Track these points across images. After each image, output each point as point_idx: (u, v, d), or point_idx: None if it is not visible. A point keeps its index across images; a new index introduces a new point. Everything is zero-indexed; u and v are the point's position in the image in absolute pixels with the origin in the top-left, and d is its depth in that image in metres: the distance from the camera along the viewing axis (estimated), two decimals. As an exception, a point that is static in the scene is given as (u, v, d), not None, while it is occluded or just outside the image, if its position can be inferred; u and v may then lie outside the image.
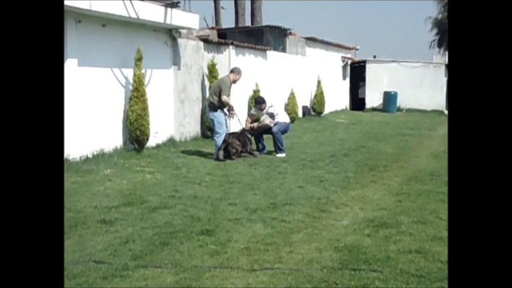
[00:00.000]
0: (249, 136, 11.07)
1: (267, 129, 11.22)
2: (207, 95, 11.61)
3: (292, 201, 6.96)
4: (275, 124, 11.19)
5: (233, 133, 10.88)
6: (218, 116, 10.36)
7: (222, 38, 16.03)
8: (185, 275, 4.36)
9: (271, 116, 11.23)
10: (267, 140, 11.54)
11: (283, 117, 11.54)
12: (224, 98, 10.25)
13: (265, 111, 11.32)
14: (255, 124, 11.24)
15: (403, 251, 4.94)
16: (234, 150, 10.39)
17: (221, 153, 10.28)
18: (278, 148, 11.13)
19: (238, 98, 14.11)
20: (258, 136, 11.38)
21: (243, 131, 11.02)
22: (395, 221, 5.99)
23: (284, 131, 11.38)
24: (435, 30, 35.83)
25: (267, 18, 40.40)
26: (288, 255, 4.87)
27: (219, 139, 10.28)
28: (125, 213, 6.23)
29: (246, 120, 11.50)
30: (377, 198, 7.24)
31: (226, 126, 10.58)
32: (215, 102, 10.34)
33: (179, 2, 11.24)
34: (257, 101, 11.66)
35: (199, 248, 5.02)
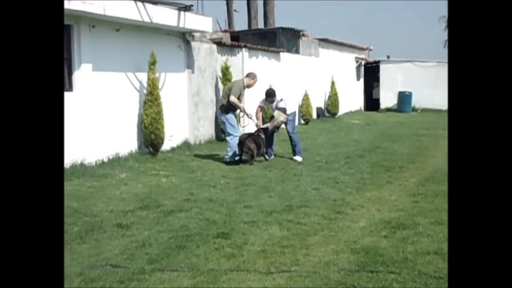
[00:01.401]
0: (263, 137, 10.60)
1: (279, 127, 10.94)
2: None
3: (307, 203, 6.93)
4: (288, 119, 10.81)
5: (249, 134, 10.56)
6: (230, 118, 10.27)
7: (235, 40, 16.04)
8: (202, 278, 4.36)
9: (284, 111, 10.79)
10: (281, 144, 11.39)
11: (291, 108, 11.13)
12: (231, 98, 10.08)
13: (274, 104, 10.89)
14: (268, 124, 10.93)
15: (421, 252, 4.89)
16: (251, 153, 10.11)
17: (235, 154, 10.17)
18: (297, 151, 10.71)
19: (252, 101, 14.08)
20: (271, 139, 10.98)
21: (258, 132, 10.67)
22: (413, 222, 5.94)
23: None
24: (449, 29, 35.62)
25: (280, 20, 40.42)
26: (304, 257, 4.84)
27: (232, 141, 10.15)
28: (141, 217, 6.24)
29: (256, 114, 11.07)
30: (393, 199, 7.18)
31: (238, 130, 10.43)
32: (226, 104, 10.27)
33: (192, 6, 11.27)
34: (268, 94, 10.91)
35: (216, 251, 5.01)
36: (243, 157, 10.31)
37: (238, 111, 10.50)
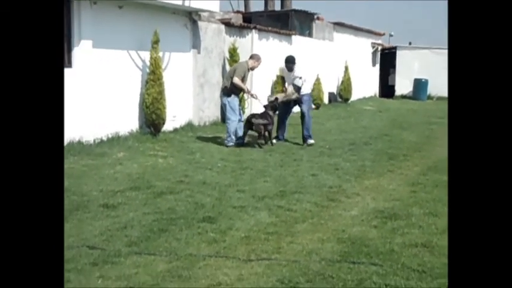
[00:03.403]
0: (271, 114, 10.29)
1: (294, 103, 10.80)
2: (227, 79, 11.32)
3: (302, 189, 6.77)
4: (300, 98, 10.64)
5: (254, 114, 10.45)
6: (232, 101, 9.99)
7: (247, 22, 15.78)
8: (178, 263, 4.24)
9: (298, 89, 10.62)
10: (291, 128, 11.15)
11: (307, 88, 10.95)
12: (235, 79, 9.82)
13: (291, 75, 10.73)
14: (279, 95, 10.75)
15: (409, 245, 4.71)
16: (259, 131, 9.93)
17: (232, 138, 9.96)
18: (308, 134, 10.56)
19: (261, 84, 13.89)
20: (282, 121, 10.90)
21: (266, 110, 10.35)
22: (406, 213, 5.75)
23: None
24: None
25: (298, 2, 39.92)
26: (288, 245, 4.70)
27: (231, 125, 9.91)
28: (130, 198, 6.13)
29: (285, 89, 10.95)
30: (391, 189, 6.98)
31: (240, 114, 10.19)
32: (229, 87, 10.01)
33: (199, -15, 11.04)
34: (287, 60, 10.84)
35: (198, 236, 4.89)
36: (247, 139, 10.17)
37: (242, 93, 10.30)
